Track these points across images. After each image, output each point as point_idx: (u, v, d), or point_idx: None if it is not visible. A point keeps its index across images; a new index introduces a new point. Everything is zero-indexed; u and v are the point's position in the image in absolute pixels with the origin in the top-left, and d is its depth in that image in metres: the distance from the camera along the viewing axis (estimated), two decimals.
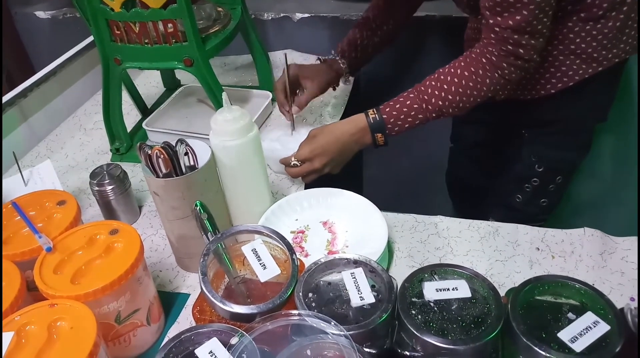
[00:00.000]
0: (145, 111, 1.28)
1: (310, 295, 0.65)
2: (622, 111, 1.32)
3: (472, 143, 1.41)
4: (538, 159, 1.16)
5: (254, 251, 0.68)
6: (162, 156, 0.76)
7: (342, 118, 1.26)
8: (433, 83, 0.97)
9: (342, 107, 1.30)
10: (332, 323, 0.59)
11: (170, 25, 1.01)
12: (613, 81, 1.12)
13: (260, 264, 0.67)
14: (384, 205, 0.92)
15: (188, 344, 0.62)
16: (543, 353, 0.56)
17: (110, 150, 1.16)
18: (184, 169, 0.79)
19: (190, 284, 0.86)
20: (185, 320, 0.79)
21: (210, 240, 0.69)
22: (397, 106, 0.99)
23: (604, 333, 0.58)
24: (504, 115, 1.22)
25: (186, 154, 0.79)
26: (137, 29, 1.01)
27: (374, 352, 0.62)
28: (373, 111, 1.00)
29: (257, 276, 0.67)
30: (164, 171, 0.78)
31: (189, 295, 0.84)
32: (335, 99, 1.31)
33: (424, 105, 0.97)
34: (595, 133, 1.19)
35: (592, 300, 0.62)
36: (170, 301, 0.83)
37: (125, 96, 1.20)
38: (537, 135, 1.17)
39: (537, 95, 1.08)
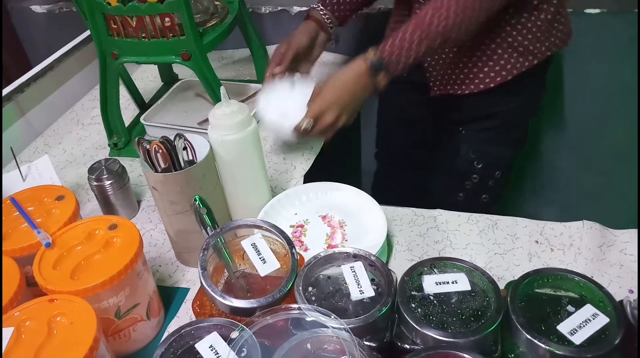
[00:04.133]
0: (143, 105, 1.28)
1: (310, 288, 0.65)
2: (553, 105, 1.37)
3: (407, 145, 1.40)
4: (477, 155, 1.17)
5: (254, 245, 0.68)
6: (160, 151, 0.76)
7: None
8: (431, 11, 0.93)
9: None
10: (332, 316, 0.59)
11: (167, 19, 1.00)
12: (543, 75, 1.15)
13: (260, 258, 0.67)
14: (382, 199, 0.92)
15: (188, 338, 0.62)
16: (542, 345, 0.56)
17: (108, 145, 1.15)
18: (182, 164, 0.78)
19: (190, 278, 0.86)
20: (185, 315, 0.79)
21: (210, 234, 0.69)
22: (397, 41, 0.94)
23: (603, 326, 0.58)
24: (440, 113, 1.23)
25: (185, 148, 0.78)
26: (134, 23, 1.00)
27: (374, 345, 0.62)
28: (373, 51, 0.96)
29: (256, 271, 0.67)
30: (162, 165, 0.77)
31: (189, 289, 0.84)
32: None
33: (424, 34, 0.93)
34: (534, 127, 1.25)
35: (591, 292, 0.62)
36: (170, 296, 0.83)
37: (123, 91, 1.20)
38: (474, 132, 1.18)
39: (475, 89, 1.09)
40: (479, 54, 1.06)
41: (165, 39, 1.01)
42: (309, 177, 1.06)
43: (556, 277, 0.64)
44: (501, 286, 0.65)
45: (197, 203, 0.70)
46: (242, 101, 1.21)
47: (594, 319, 0.59)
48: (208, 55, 1.06)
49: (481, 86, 1.08)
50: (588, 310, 0.60)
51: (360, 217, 0.87)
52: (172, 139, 0.78)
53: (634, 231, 0.87)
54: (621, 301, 0.60)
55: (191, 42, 1.01)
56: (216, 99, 1.04)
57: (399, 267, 0.81)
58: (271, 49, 1.45)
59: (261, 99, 1.05)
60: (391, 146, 1.45)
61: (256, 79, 1.32)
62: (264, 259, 0.67)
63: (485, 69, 1.06)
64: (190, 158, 0.79)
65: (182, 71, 1.35)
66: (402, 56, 0.94)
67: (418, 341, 0.60)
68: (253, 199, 0.87)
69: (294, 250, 0.67)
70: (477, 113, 1.15)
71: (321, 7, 1.15)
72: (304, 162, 1.09)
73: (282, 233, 0.69)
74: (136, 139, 0.78)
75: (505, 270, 0.82)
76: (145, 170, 0.78)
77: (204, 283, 0.65)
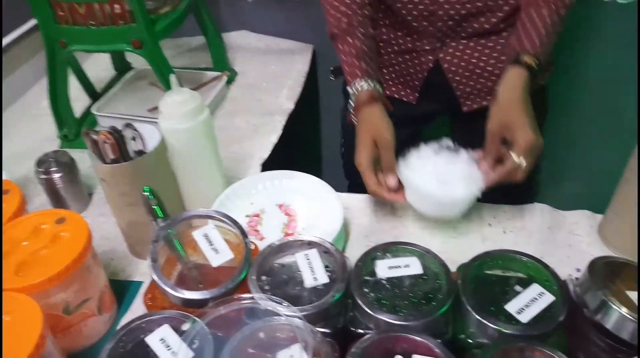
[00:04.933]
0: (94, 95, 1.24)
1: (263, 277, 0.65)
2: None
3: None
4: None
5: (206, 236, 0.67)
6: (108, 142, 0.74)
7: (298, 99, 1.26)
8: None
9: (299, 88, 1.29)
10: (285, 304, 0.59)
11: (117, 6, 0.97)
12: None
13: (212, 249, 0.66)
14: (343, 186, 0.92)
15: (139, 332, 0.61)
16: (491, 325, 0.58)
17: (59, 137, 1.12)
18: (132, 155, 0.76)
19: (144, 271, 0.84)
20: (138, 309, 0.78)
21: (160, 226, 0.68)
22: (536, 32, 0.83)
23: (549, 304, 0.60)
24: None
25: (134, 139, 0.76)
26: (83, 10, 0.97)
27: (328, 331, 0.62)
28: (528, 56, 0.82)
29: (209, 262, 0.66)
30: (111, 157, 0.75)
31: (142, 282, 0.82)
32: (291, 81, 1.30)
33: (552, 14, 0.83)
34: None
35: (538, 272, 0.64)
36: (123, 290, 0.81)
37: (74, 80, 1.16)
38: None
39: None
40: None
41: (116, 26, 0.98)
42: (268, 165, 1.06)
43: (505, 258, 0.65)
44: (454, 269, 0.66)
45: (146, 193, 0.68)
46: (197, 89, 1.20)
47: (540, 298, 0.60)
48: (162, 43, 1.04)
49: None
50: (535, 289, 0.61)
51: (317, 205, 0.87)
52: (121, 129, 0.76)
53: (582, 212, 0.89)
54: (566, 280, 0.62)
55: (142, 30, 0.99)
56: (169, 87, 1.02)
57: (355, 253, 0.81)
58: (227, 36, 1.44)
59: (407, 170, 0.83)
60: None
61: (212, 67, 1.30)
62: (216, 249, 0.66)
63: None
64: (140, 148, 0.77)
65: (136, 60, 1.31)
66: (546, 48, 0.84)
67: (371, 325, 0.61)
68: (207, 189, 0.86)
69: (247, 240, 0.67)
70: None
71: (370, 82, 0.89)
72: (261, 150, 1.08)
73: (235, 222, 0.68)
74: (83, 130, 0.76)
75: (459, 253, 0.83)
76: (93, 162, 0.76)
77: (154, 275, 0.63)
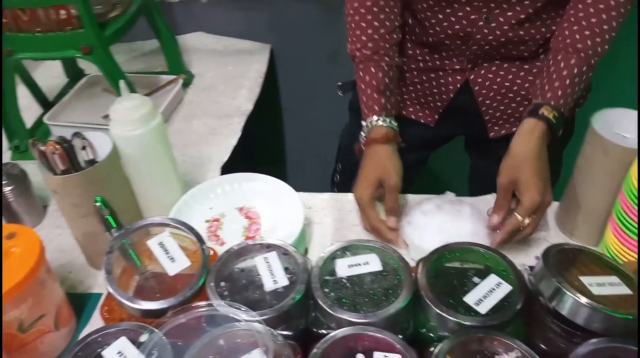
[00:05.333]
0: (46, 104, 1.21)
1: (222, 283, 0.64)
2: None
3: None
4: None
5: (161, 244, 0.66)
6: (57, 152, 0.72)
7: (258, 100, 1.25)
8: (574, 31, 0.79)
9: (258, 89, 1.28)
10: (243, 309, 0.58)
11: (62, 11, 0.95)
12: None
13: (169, 257, 0.65)
14: (308, 186, 0.91)
15: (95, 346, 0.59)
16: (451, 318, 0.58)
17: (9, 148, 1.08)
18: (83, 165, 0.74)
19: (103, 283, 0.82)
20: (98, 322, 0.75)
21: (114, 236, 0.66)
22: (562, 86, 0.80)
23: (506, 294, 0.60)
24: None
25: (84, 148, 0.74)
26: (27, 16, 0.94)
27: (289, 333, 0.61)
28: (547, 109, 0.79)
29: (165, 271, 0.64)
30: (61, 167, 0.73)
31: (102, 294, 0.80)
32: (249, 82, 1.29)
33: (582, 64, 0.79)
34: None
35: (495, 262, 0.64)
36: (82, 303, 0.79)
37: (24, 90, 1.13)
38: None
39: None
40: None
41: (63, 32, 0.96)
42: (228, 168, 1.04)
43: (463, 251, 0.66)
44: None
45: (98, 204, 0.67)
46: (152, 93, 1.18)
47: (497, 288, 0.61)
48: (114, 47, 1.02)
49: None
50: (492, 280, 0.62)
51: (278, 206, 0.86)
52: (70, 139, 0.73)
53: None
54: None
55: (91, 35, 0.96)
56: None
57: (317, 254, 0.81)
58: (181, 39, 1.42)
59: (410, 228, 0.84)
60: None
61: (167, 70, 1.27)
62: (172, 258, 0.65)
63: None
64: (92, 157, 0.75)
65: (89, 66, 1.28)
66: (569, 98, 0.81)
67: (333, 325, 0.60)
68: (164, 196, 0.85)
69: (204, 246, 0.66)
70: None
71: (387, 119, 0.87)
72: (220, 153, 1.06)
73: (191, 229, 0.67)
74: (30, 141, 0.73)
75: None
76: (43, 174, 0.74)
77: (109, 287, 0.62)
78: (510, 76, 0.92)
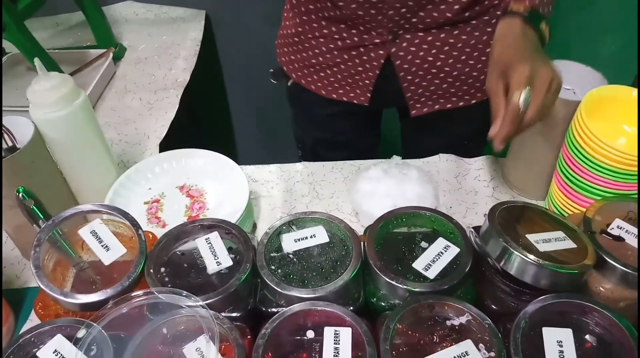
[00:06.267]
0: None
1: (162, 269, 0.61)
2: None
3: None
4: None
5: (94, 232, 0.62)
6: None
7: (196, 71, 1.19)
8: None
9: (195, 58, 1.21)
10: (185, 294, 0.55)
11: None
12: None
13: (103, 246, 0.61)
14: (260, 158, 0.88)
15: (30, 347, 0.55)
16: (400, 286, 0.57)
17: None
18: (2, 153, 0.69)
19: None
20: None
21: (42, 227, 0.62)
22: None
23: (454, 256, 0.60)
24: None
25: (2, 134, 0.68)
26: None
27: (237, 315, 0.59)
28: (516, 4, 0.69)
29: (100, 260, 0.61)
30: None
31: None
32: (185, 51, 1.22)
33: None
34: None
35: (442, 225, 0.64)
36: (19, 299, 0.75)
37: None
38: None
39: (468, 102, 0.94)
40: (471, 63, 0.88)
41: None
42: (170, 145, 0.99)
43: (409, 215, 0.65)
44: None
45: (19, 194, 0.62)
46: (81, 70, 1.10)
47: (445, 251, 0.60)
48: (38, 22, 0.95)
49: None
50: (440, 243, 0.61)
51: (221, 182, 0.83)
52: None
53: (486, 158, 0.91)
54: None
55: (1, 11, 0.88)
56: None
57: (266, 228, 0.79)
58: (109, 9, 1.33)
59: (358, 195, 0.82)
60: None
61: (96, 44, 1.19)
62: (107, 246, 0.61)
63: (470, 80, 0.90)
64: (11, 144, 0.69)
65: (10, 44, 1.19)
66: None
67: (282, 302, 0.59)
68: (98, 180, 0.80)
69: (140, 231, 0.62)
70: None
71: None
72: (158, 129, 1.01)
73: (125, 214, 0.63)
74: None
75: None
76: None
77: (39, 282, 0.58)
78: (434, 50, 0.87)
